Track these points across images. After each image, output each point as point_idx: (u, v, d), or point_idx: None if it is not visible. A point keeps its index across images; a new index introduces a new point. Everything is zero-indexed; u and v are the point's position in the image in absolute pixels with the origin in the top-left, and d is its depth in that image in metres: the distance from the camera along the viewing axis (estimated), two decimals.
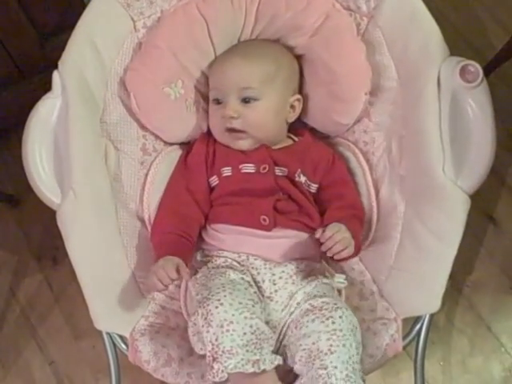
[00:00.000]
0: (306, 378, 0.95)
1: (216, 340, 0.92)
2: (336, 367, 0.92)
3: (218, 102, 1.15)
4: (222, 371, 0.90)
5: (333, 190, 1.16)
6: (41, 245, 1.52)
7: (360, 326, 1.06)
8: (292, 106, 1.18)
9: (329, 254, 1.03)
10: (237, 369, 0.90)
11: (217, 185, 1.15)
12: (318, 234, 1.03)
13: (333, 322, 0.96)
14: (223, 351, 0.91)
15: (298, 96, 1.19)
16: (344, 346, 0.94)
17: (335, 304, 1.00)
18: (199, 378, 1.02)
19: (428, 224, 1.04)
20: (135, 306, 1.09)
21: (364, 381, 0.95)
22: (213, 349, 0.92)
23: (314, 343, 0.95)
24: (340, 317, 0.97)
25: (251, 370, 0.91)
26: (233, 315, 0.92)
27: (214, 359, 0.92)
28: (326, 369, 0.92)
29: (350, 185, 1.18)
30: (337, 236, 1.02)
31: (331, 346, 0.94)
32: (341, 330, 0.95)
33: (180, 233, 1.09)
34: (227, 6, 1.15)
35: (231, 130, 1.13)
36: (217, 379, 0.91)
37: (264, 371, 0.92)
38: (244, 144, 1.15)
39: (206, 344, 0.93)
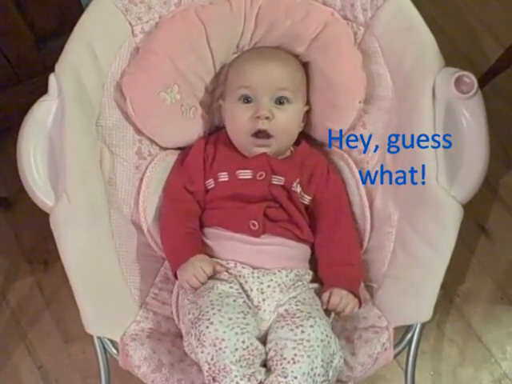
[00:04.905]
0: (266, 380, 0.93)
1: (211, 359, 0.92)
2: (296, 378, 0.91)
3: (246, 100, 1.13)
4: None
5: (327, 209, 1.16)
6: (33, 248, 1.51)
7: (352, 333, 1.07)
8: (303, 116, 1.20)
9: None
10: None
11: (212, 188, 1.15)
12: (324, 301, 1.06)
13: (302, 332, 0.96)
14: (219, 370, 0.91)
15: (308, 106, 1.21)
16: (308, 357, 0.93)
17: (309, 313, 1.00)
18: None
19: (421, 233, 1.05)
20: (126, 310, 1.08)
21: None
22: (210, 368, 0.92)
23: (280, 349, 0.95)
24: (311, 326, 0.97)
25: None
26: (224, 332, 0.92)
27: (214, 378, 0.92)
28: (285, 377, 0.92)
29: (344, 205, 1.18)
30: (342, 304, 1.06)
31: (295, 355, 0.93)
32: (308, 341, 0.95)
33: (186, 230, 1.10)
34: (226, 12, 1.16)
35: (259, 135, 1.13)
36: None
37: (260, 383, 0.92)
38: (265, 151, 1.14)
39: (202, 364, 0.93)
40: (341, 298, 1.06)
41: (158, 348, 1.04)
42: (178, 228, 1.11)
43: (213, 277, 1.06)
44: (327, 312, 1.07)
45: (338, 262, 1.11)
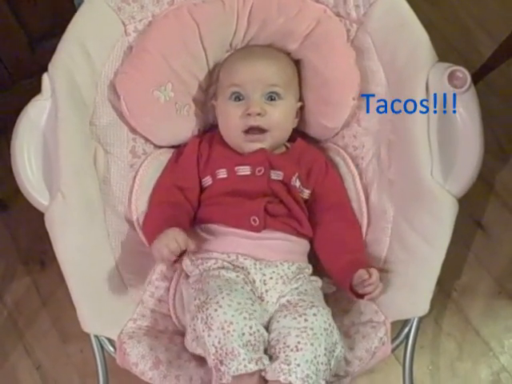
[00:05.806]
0: (268, 367, 0.93)
1: (219, 342, 0.92)
2: (299, 365, 0.92)
3: (238, 98, 1.14)
4: (228, 373, 0.90)
5: (326, 203, 1.16)
6: (28, 248, 1.51)
7: (349, 328, 1.07)
8: (296, 112, 1.20)
9: (368, 296, 1.03)
10: (239, 371, 0.90)
11: (210, 185, 1.15)
12: (365, 276, 1.02)
13: (305, 320, 0.96)
14: (226, 353, 0.91)
15: (301, 103, 1.21)
16: (312, 344, 0.93)
17: (311, 302, 1.00)
18: (187, 380, 1.02)
19: (416, 228, 1.05)
20: (123, 308, 1.08)
21: (327, 382, 0.95)
22: (217, 351, 0.92)
23: (283, 337, 0.95)
24: (314, 314, 0.97)
25: (255, 369, 0.91)
26: (232, 316, 0.92)
27: (221, 362, 0.91)
28: (288, 365, 0.92)
29: (343, 197, 1.18)
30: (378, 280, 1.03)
31: (299, 343, 0.94)
32: (312, 329, 0.95)
33: (171, 216, 1.08)
34: (219, 10, 1.16)
35: (251, 131, 1.13)
36: (224, 381, 0.91)
37: (264, 369, 0.92)
38: (259, 147, 1.14)
39: (208, 348, 0.93)
40: (377, 274, 1.03)
41: (156, 345, 1.05)
42: (165, 214, 1.09)
43: (215, 268, 1.05)
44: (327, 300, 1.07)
45: (347, 250, 1.10)
